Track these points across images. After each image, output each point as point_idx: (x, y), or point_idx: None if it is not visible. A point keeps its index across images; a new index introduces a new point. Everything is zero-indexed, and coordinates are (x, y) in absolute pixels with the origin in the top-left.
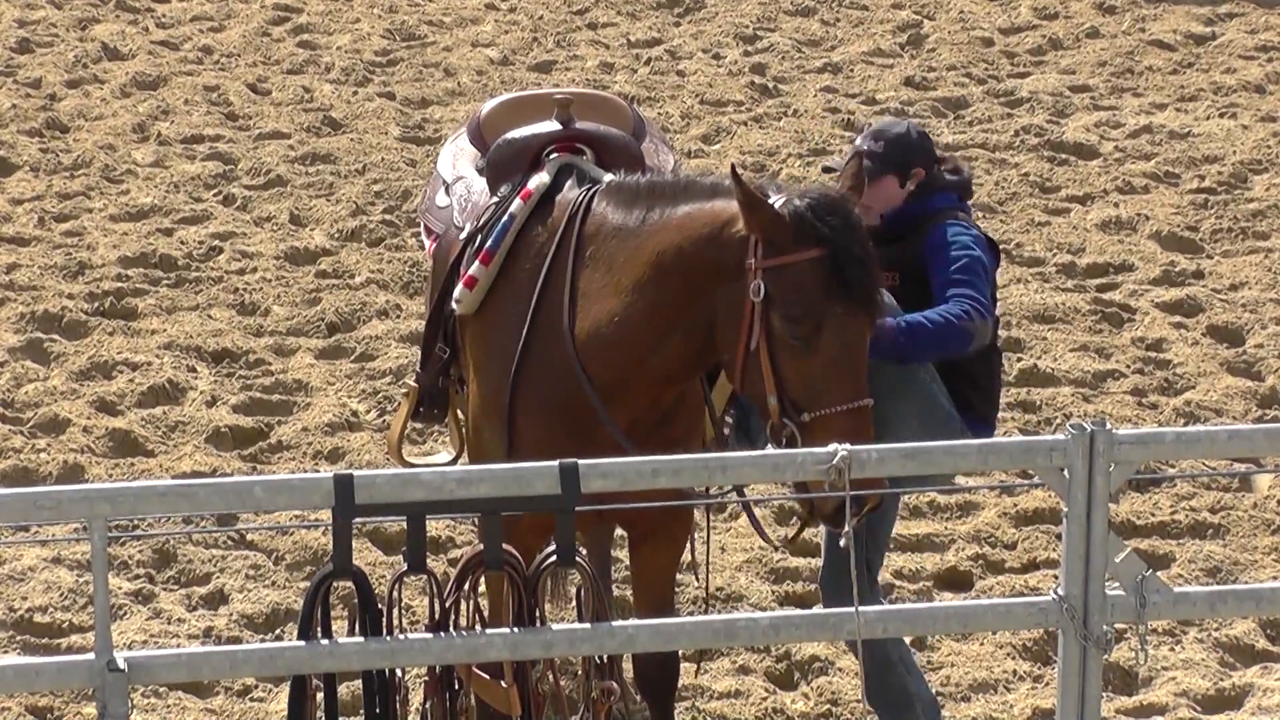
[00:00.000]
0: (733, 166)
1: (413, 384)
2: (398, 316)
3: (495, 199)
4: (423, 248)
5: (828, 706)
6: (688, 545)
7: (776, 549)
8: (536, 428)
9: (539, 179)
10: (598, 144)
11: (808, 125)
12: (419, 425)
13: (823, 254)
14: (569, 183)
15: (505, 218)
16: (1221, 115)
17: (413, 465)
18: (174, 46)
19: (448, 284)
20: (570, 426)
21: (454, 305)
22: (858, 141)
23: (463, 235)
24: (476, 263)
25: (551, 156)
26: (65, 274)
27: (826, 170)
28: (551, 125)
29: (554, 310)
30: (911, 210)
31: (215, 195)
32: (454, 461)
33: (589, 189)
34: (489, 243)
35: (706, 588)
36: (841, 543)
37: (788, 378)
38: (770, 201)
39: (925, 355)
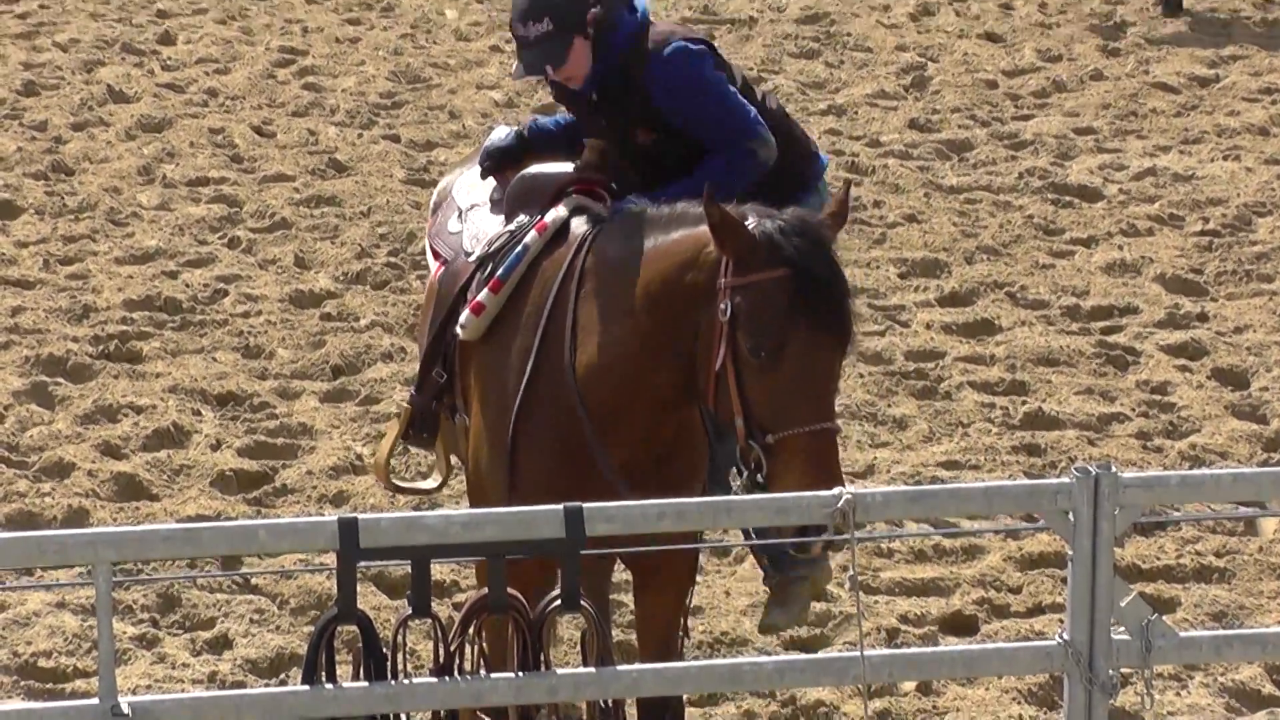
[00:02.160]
0: (708, 187)
1: (406, 405)
2: (402, 360)
3: (510, 228)
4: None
5: None
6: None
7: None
8: (537, 461)
9: (556, 213)
10: (620, 189)
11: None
12: (402, 450)
13: (788, 274)
14: (581, 220)
15: (519, 248)
16: (1225, 158)
17: (398, 487)
18: (179, 89)
19: (453, 309)
20: (570, 460)
21: (459, 330)
22: (519, 29)
23: (472, 259)
24: (486, 290)
25: (570, 194)
26: (70, 317)
27: None
28: (574, 166)
29: (556, 343)
30: (610, 60)
31: (220, 238)
32: (440, 488)
33: (597, 226)
34: (500, 271)
35: (685, 629)
36: (846, 586)
37: (753, 398)
38: (743, 223)
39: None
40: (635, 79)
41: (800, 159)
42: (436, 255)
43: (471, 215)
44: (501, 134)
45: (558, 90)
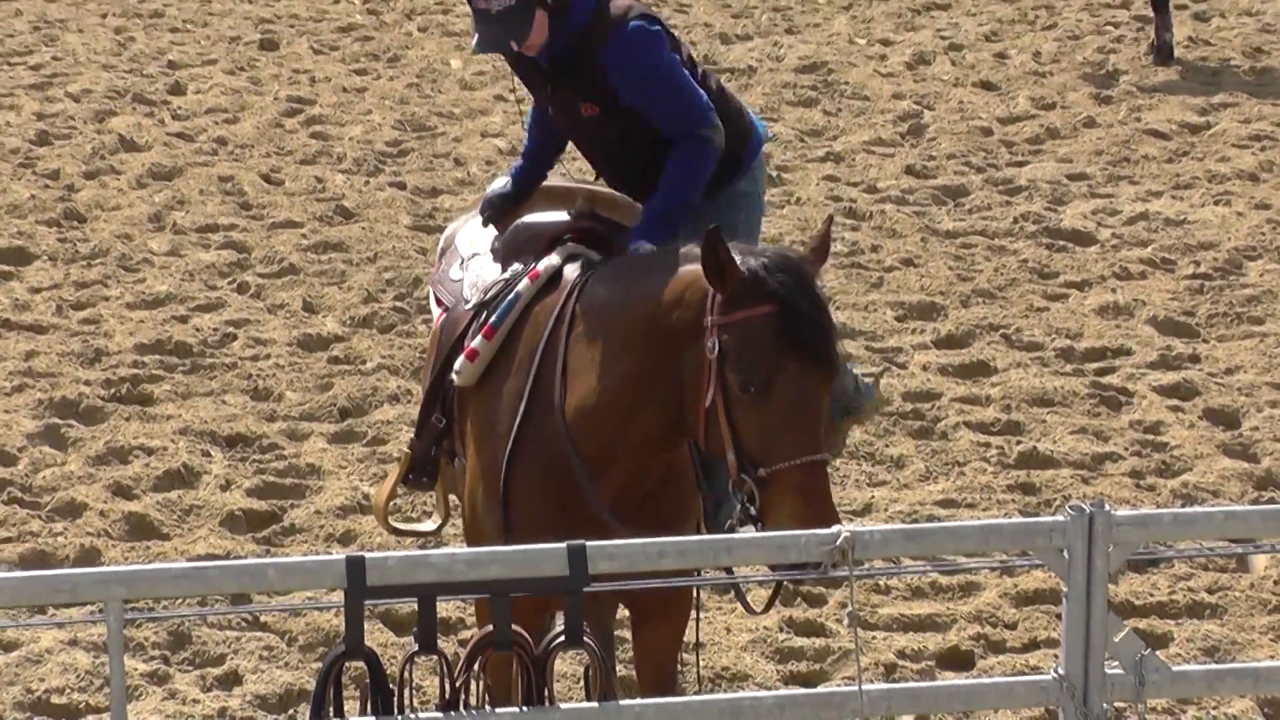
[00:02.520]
0: (715, 227)
1: (406, 450)
2: (408, 401)
3: (505, 276)
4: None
5: None
6: (689, 625)
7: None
8: (530, 501)
9: (548, 262)
10: (611, 236)
11: (810, 213)
12: (405, 492)
13: (774, 310)
14: (574, 267)
15: (512, 295)
16: (1216, 203)
17: (397, 529)
18: (189, 138)
19: (450, 355)
20: (562, 499)
21: (454, 376)
22: (481, 2)
23: (469, 306)
24: (480, 337)
25: (565, 242)
26: (82, 361)
27: None
28: (569, 215)
29: (547, 386)
30: (569, 32)
31: (229, 283)
32: (438, 531)
33: (589, 272)
34: (493, 318)
35: (698, 667)
36: (845, 622)
37: (743, 432)
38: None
39: (700, 190)
40: (592, 54)
41: (735, 139)
42: (439, 302)
43: (472, 264)
44: (500, 183)
45: (513, 58)
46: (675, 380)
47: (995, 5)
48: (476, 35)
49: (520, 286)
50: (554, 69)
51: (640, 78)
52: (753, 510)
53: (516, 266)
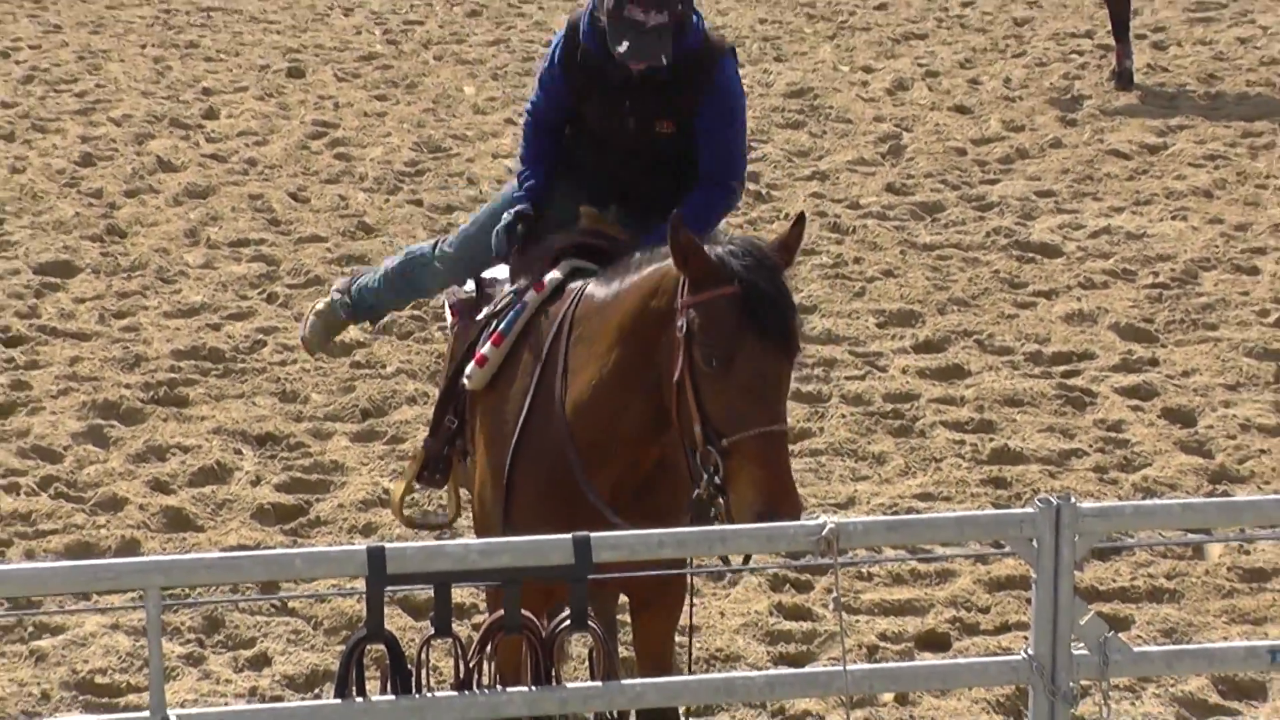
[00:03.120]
0: (675, 213)
1: (420, 448)
2: (425, 403)
3: (513, 289)
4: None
5: None
6: (684, 610)
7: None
8: (532, 495)
9: (553, 275)
10: (613, 251)
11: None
12: (420, 489)
13: (736, 290)
14: (577, 279)
15: (519, 305)
16: (1173, 218)
17: (411, 522)
18: (222, 159)
19: (463, 362)
20: (562, 495)
21: (465, 381)
22: (639, 14)
23: (479, 318)
24: (489, 344)
25: (569, 256)
26: (123, 366)
27: None
28: (573, 233)
29: (549, 388)
30: (679, 53)
31: (259, 294)
32: (451, 524)
33: (587, 281)
34: (501, 326)
35: (690, 650)
36: (830, 607)
37: (708, 405)
38: (701, 247)
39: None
40: (703, 74)
41: None
42: (454, 312)
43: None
44: (511, 212)
45: (581, 76)
46: (658, 367)
47: (969, 35)
48: (626, 44)
49: (527, 297)
50: (645, 84)
51: (729, 107)
52: (718, 480)
53: (523, 280)
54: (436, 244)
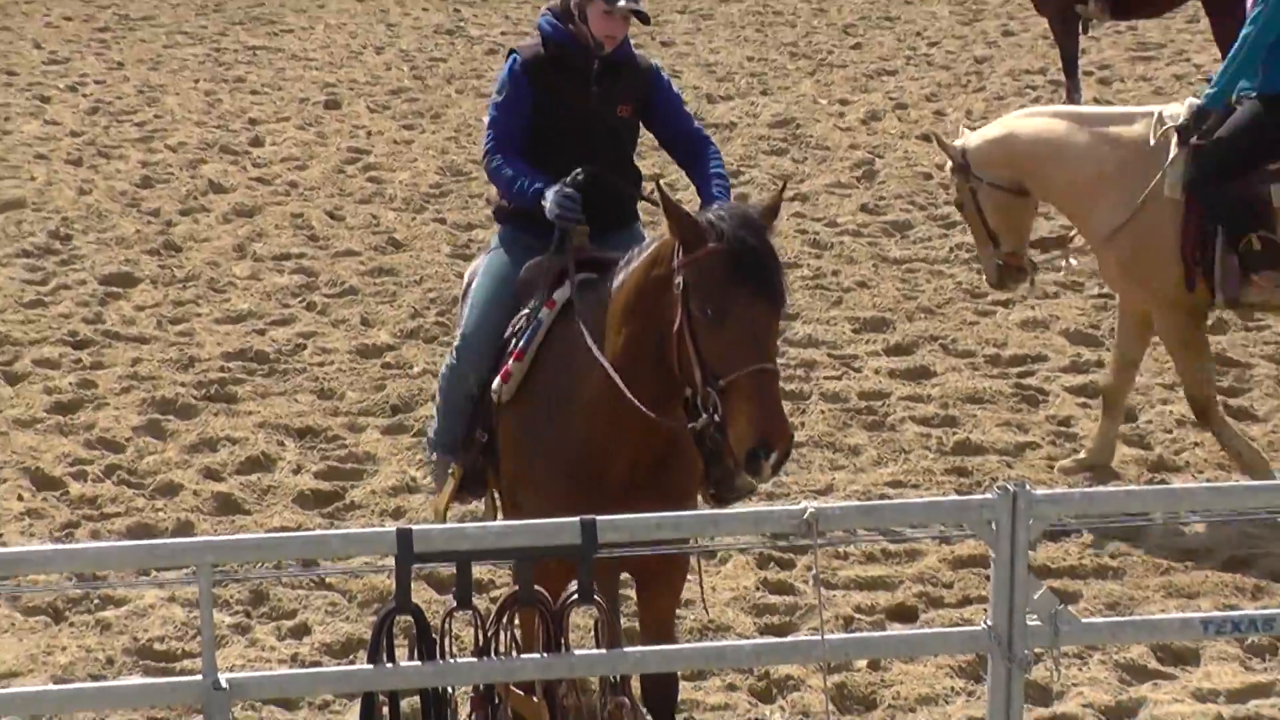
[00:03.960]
0: (657, 182)
1: (457, 468)
2: None
3: (526, 310)
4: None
5: (800, 717)
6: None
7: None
8: (556, 484)
9: (562, 292)
10: (609, 265)
11: (781, 243)
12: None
13: (725, 248)
14: (584, 291)
15: (535, 323)
16: None
17: None
18: (266, 182)
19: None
20: (583, 482)
21: (494, 395)
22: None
23: (505, 336)
24: (512, 360)
25: (574, 270)
26: (178, 366)
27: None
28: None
29: (567, 390)
30: (628, 49)
31: (300, 302)
32: None
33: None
34: (521, 343)
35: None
36: (810, 582)
37: (704, 350)
38: (689, 212)
39: None
40: (648, 71)
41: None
42: None
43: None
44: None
45: (555, 66)
46: (657, 326)
47: (934, 71)
48: (619, 2)
49: (541, 315)
50: (606, 71)
51: (675, 95)
52: (717, 418)
53: (534, 300)
54: (450, 355)
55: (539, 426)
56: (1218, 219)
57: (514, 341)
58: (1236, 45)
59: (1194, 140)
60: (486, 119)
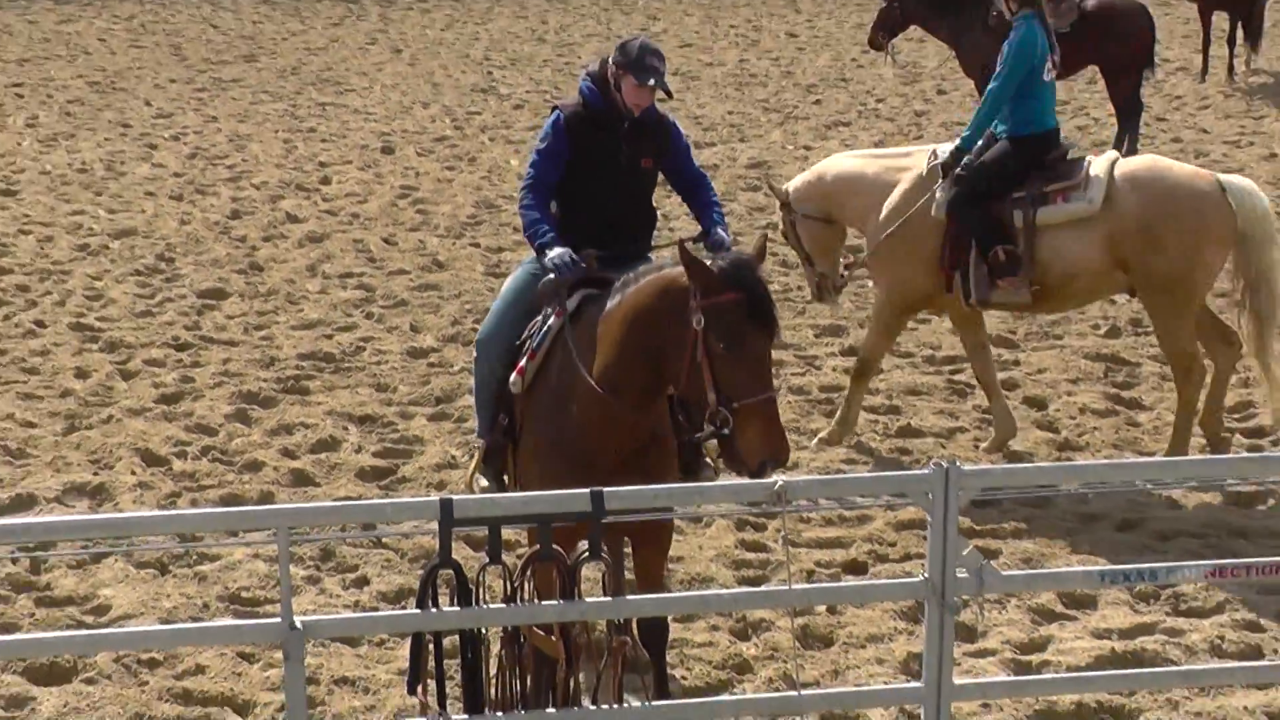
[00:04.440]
0: (680, 242)
1: (480, 444)
2: None
3: (539, 317)
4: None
5: (770, 652)
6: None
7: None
8: (558, 462)
9: (571, 302)
10: (609, 283)
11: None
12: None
13: (741, 296)
14: (589, 304)
15: (545, 328)
16: None
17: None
18: (333, 214)
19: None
20: (579, 459)
21: (511, 387)
22: (654, 62)
23: (518, 341)
24: (525, 359)
25: (580, 288)
26: (261, 365)
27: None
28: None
29: (568, 384)
30: (653, 111)
31: (361, 312)
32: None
33: (597, 300)
34: (533, 344)
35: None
36: (779, 542)
37: (720, 379)
38: (706, 264)
39: None
40: (667, 127)
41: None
42: None
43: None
44: (558, 258)
45: (592, 124)
46: (659, 343)
47: (881, 123)
48: (651, 79)
49: (550, 321)
50: (635, 128)
51: (686, 147)
52: (725, 431)
53: (548, 309)
54: (475, 352)
55: (545, 416)
56: (972, 235)
57: (528, 343)
58: (984, 98)
59: (956, 172)
60: (529, 160)
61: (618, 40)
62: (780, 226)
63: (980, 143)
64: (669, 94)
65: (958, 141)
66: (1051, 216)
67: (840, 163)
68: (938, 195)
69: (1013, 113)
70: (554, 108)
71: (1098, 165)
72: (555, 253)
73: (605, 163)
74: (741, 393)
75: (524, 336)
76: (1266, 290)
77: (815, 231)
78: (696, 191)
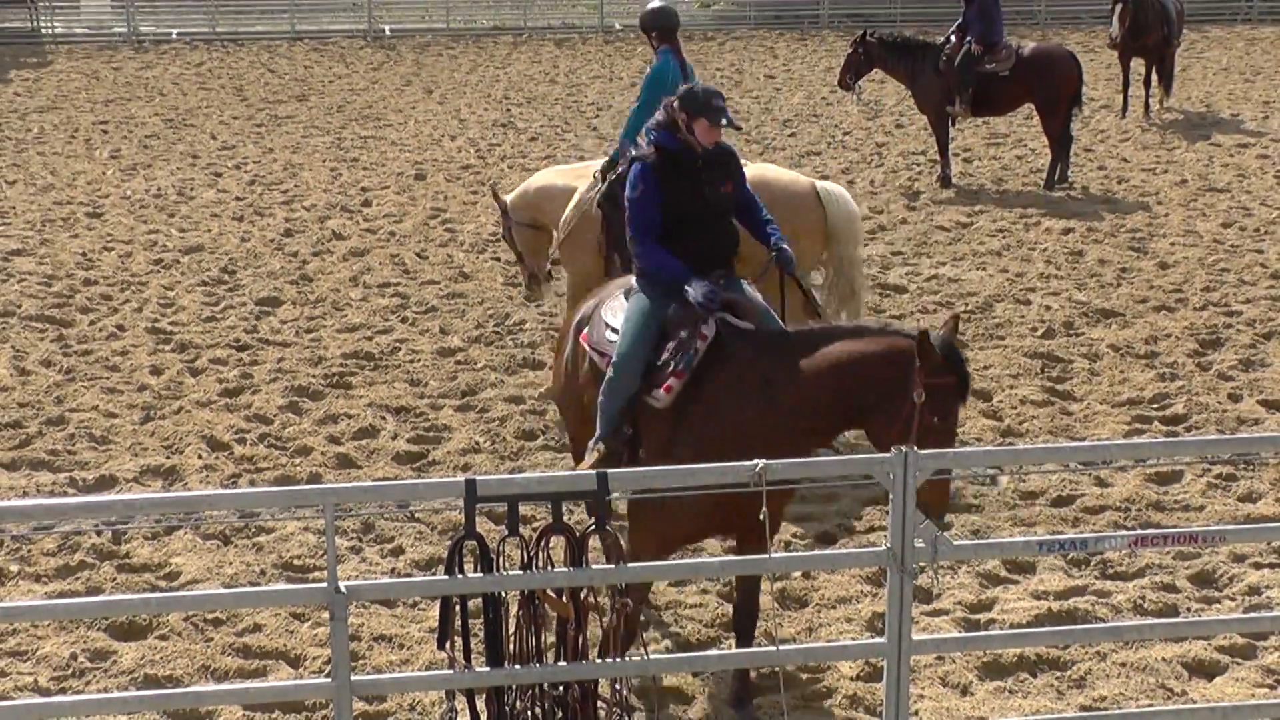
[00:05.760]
0: (924, 333)
1: (600, 447)
2: (501, 386)
3: (673, 343)
4: (593, 358)
5: None
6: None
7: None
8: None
9: (708, 328)
10: (739, 308)
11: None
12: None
13: (956, 380)
14: (728, 331)
15: (690, 351)
16: (977, 269)
17: None
18: (373, 232)
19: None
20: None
21: (653, 402)
22: (719, 103)
23: (659, 362)
24: (673, 378)
25: (714, 314)
26: (311, 363)
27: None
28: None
29: (737, 401)
30: (724, 145)
31: (397, 317)
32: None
33: (743, 337)
34: (681, 366)
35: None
36: (760, 517)
37: (923, 444)
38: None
39: None
40: (734, 156)
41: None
42: (601, 354)
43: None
44: (701, 288)
45: (671, 166)
46: (869, 404)
47: (847, 153)
48: (723, 119)
49: (695, 345)
50: (706, 162)
51: (740, 160)
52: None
53: (684, 333)
54: (609, 371)
55: (699, 430)
56: (620, 227)
57: (671, 364)
58: (628, 118)
59: (610, 177)
60: (628, 212)
61: (682, 89)
62: (500, 231)
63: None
64: (737, 126)
65: (611, 153)
66: None
67: (541, 177)
68: (598, 196)
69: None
70: (633, 159)
71: None
72: (700, 287)
73: (692, 197)
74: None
75: (664, 358)
76: (844, 280)
77: (526, 236)
78: (752, 210)
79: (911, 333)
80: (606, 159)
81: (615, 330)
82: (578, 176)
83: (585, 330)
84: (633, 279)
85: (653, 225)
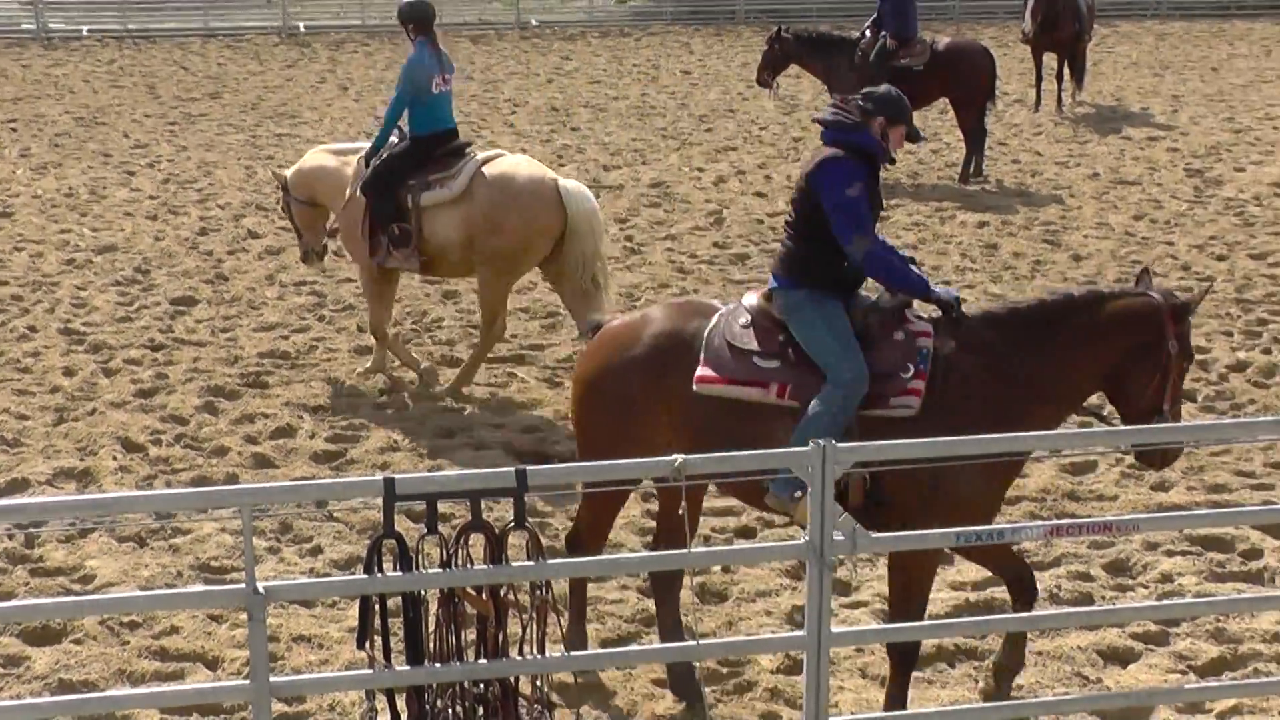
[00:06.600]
0: (1168, 292)
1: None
2: (419, 384)
3: (884, 345)
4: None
5: None
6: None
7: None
8: (996, 470)
9: (921, 325)
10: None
11: (656, 271)
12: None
13: (1188, 327)
14: (941, 322)
15: (922, 350)
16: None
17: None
18: (289, 231)
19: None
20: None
21: (900, 411)
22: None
23: (896, 371)
24: (916, 379)
25: (911, 310)
26: (226, 362)
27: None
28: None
29: (991, 393)
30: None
31: (314, 316)
32: None
33: (968, 321)
34: (923, 366)
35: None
36: (680, 511)
37: (1175, 390)
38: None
39: None
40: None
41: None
42: (746, 383)
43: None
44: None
45: (872, 166)
46: (1125, 366)
47: (764, 147)
48: (909, 128)
49: (921, 342)
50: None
51: None
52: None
53: (899, 334)
54: (839, 389)
55: (960, 429)
56: (379, 212)
57: (909, 366)
58: (389, 109)
59: (373, 163)
60: (847, 210)
61: (880, 94)
62: (280, 206)
63: (394, 139)
64: (924, 139)
65: (374, 139)
66: (430, 200)
67: (315, 157)
68: (361, 181)
69: (413, 117)
70: (839, 158)
71: (471, 162)
72: (942, 288)
73: (878, 201)
74: (1176, 399)
75: (883, 367)
76: (586, 271)
77: (303, 211)
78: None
79: (1142, 291)
80: (370, 146)
81: (761, 354)
82: (348, 160)
83: (702, 371)
84: (716, 302)
85: (870, 221)
